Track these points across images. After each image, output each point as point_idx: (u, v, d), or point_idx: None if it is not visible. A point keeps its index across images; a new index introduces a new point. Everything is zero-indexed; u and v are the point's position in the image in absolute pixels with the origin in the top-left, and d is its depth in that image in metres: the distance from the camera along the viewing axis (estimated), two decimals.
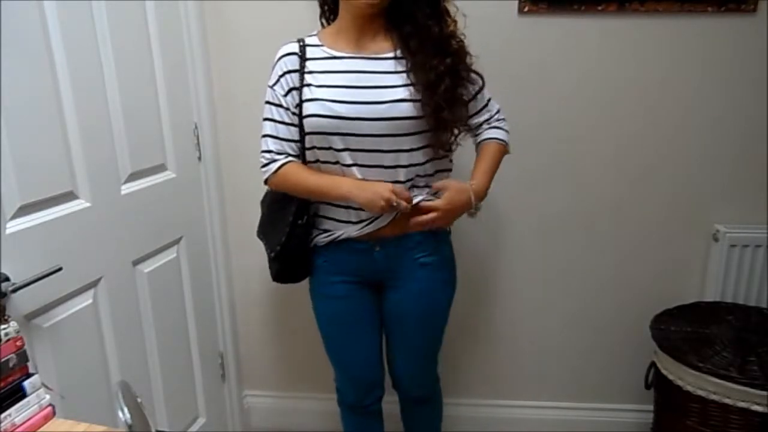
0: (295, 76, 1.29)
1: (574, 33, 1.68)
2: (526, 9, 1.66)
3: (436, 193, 1.32)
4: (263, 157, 1.33)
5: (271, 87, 1.31)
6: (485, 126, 1.41)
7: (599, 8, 1.64)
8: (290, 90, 1.29)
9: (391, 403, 1.62)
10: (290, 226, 1.36)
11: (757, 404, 1.42)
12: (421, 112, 1.25)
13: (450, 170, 1.39)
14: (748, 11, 1.62)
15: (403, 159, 1.28)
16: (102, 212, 1.35)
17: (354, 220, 1.33)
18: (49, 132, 1.19)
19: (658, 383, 1.69)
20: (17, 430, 0.92)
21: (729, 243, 1.74)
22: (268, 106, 1.32)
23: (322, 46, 1.30)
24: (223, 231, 1.92)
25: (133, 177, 1.46)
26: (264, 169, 1.34)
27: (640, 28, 1.66)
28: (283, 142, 1.32)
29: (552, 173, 1.82)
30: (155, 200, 1.56)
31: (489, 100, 1.39)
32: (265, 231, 1.49)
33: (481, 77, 1.34)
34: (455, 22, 1.30)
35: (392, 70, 1.27)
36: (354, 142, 1.25)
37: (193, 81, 1.72)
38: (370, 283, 1.41)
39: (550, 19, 1.67)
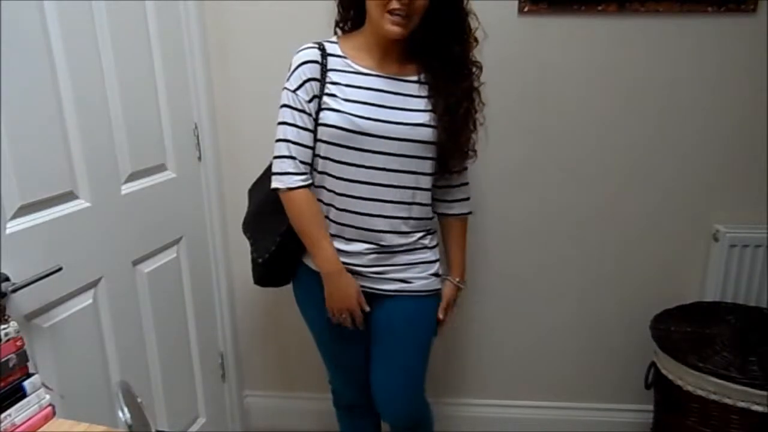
0: (317, 84, 1.28)
1: (574, 33, 1.68)
2: (526, 9, 1.66)
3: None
4: (283, 161, 1.28)
5: (293, 91, 1.27)
6: (457, 194, 1.43)
7: (599, 8, 1.64)
8: (313, 97, 1.27)
9: None
10: (282, 236, 1.35)
11: (757, 404, 1.42)
12: (440, 138, 1.28)
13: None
14: (748, 11, 1.62)
15: (409, 181, 1.30)
16: (102, 212, 1.35)
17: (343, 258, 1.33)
18: (49, 132, 1.19)
19: (658, 383, 1.69)
20: (17, 430, 0.92)
21: (729, 243, 1.74)
22: (289, 110, 1.28)
23: (345, 58, 1.29)
24: (223, 231, 1.91)
25: (133, 177, 1.46)
26: (277, 176, 1.29)
27: (641, 29, 1.66)
28: (302, 150, 1.28)
29: (551, 173, 1.82)
30: (155, 200, 1.56)
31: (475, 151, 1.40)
32: (253, 231, 1.47)
33: (475, 124, 1.35)
34: (476, 40, 1.30)
35: (416, 93, 1.29)
36: (366, 159, 1.26)
37: (193, 81, 1.72)
38: None
39: (550, 19, 1.67)
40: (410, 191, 1.31)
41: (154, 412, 1.60)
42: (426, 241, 1.38)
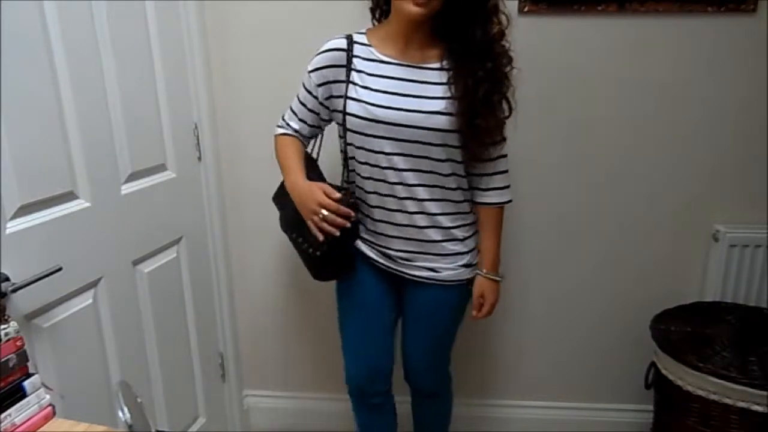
0: (338, 70, 1.33)
1: (574, 33, 1.68)
2: (526, 9, 1.66)
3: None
4: (280, 121, 1.47)
5: (309, 72, 1.36)
6: (491, 182, 1.41)
7: (599, 8, 1.64)
8: (326, 83, 1.34)
9: (403, 404, 1.64)
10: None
11: (757, 404, 1.42)
12: (456, 125, 1.28)
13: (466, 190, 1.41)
14: (748, 11, 1.62)
15: (429, 166, 1.32)
16: (102, 212, 1.35)
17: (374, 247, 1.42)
18: (49, 132, 1.19)
19: (658, 383, 1.69)
20: (17, 430, 0.93)
21: (729, 243, 1.74)
22: (301, 87, 1.40)
23: (370, 47, 1.33)
24: (223, 231, 1.91)
25: (133, 177, 1.46)
26: (276, 130, 1.47)
27: (640, 29, 1.66)
28: (296, 119, 1.43)
29: (551, 173, 1.82)
30: (155, 200, 1.56)
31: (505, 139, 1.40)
32: (300, 229, 1.40)
33: (510, 107, 1.35)
34: (500, 23, 1.28)
35: (436, 81, 1.30)
36: (392, 146, 1.30)
37: (193, 81, 1.72)
38: (390, 275, 1.44)
39: (550, 19, 1.67)
40: (432, 176, 1.33)
41: (154, 412, 1.60)
42: (457, 232, 1.40)
